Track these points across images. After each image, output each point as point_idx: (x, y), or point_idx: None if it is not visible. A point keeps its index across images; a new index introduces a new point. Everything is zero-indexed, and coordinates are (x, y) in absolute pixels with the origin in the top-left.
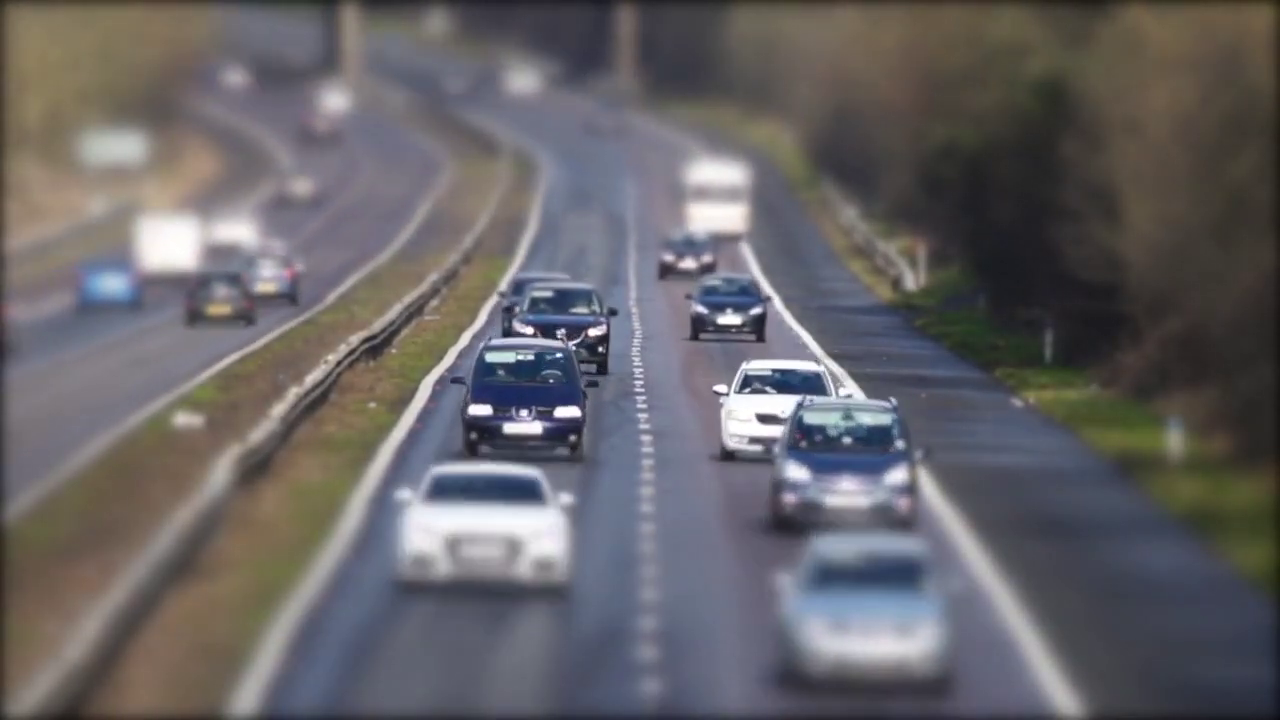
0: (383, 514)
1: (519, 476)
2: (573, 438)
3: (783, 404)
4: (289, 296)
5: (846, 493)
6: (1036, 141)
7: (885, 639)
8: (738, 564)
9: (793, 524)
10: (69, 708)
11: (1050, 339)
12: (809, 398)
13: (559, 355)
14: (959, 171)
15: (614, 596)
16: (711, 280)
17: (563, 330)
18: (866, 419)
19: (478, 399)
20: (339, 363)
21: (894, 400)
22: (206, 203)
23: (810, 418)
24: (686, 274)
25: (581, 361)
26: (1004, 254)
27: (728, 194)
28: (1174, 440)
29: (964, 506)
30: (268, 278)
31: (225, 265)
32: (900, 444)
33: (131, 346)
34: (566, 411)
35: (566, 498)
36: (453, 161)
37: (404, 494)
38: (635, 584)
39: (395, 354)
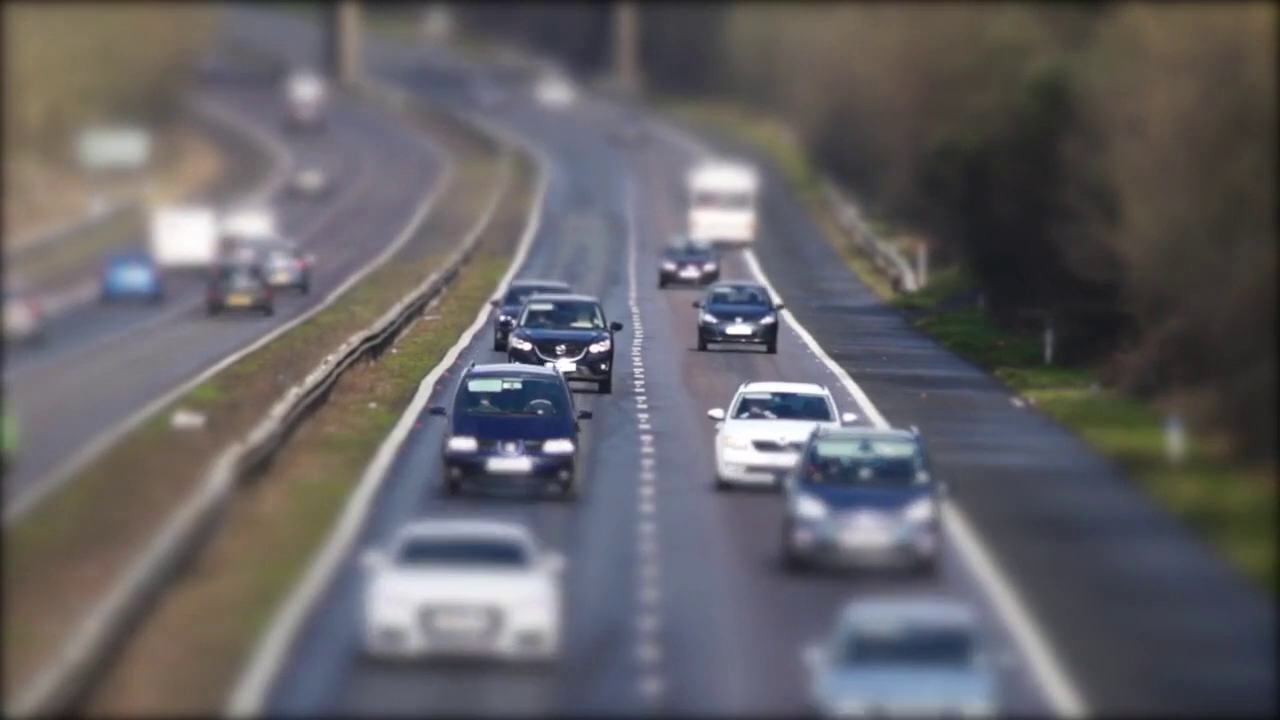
0: (348, 582)
1: (501, 538)
2: (564, 474)
3: (783, 430)
4: (301, 286)
5: (864, 530)
6: (1036, 141)
7: None
8: (738, 563)
9: (807, 564)
10: (69, 708)
11: (1050, 339)
12: (822, 426)
13: (549, 383)
14: (959, 171)
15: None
16: (720, 287)
17: (562, 346)
18: (886, 450)
19: (460, 431)
20: (339, 363)
21: (915, 429)
22: (219, 197)
23: (825, 449)
24: (688, 283)
25: (583, 379)
26: (1004, 254)
27: (735, 200)
28: (1174, 440)
29: (964, 506)
30: (281, 268)
31: (227, 258)
32: (923, 477)
33: (132, 346)
34: (557, 446)
35: (556, 560)
36: (453, 161)
37: (372, 558)
38: (635, 584)
39: (395, 354)
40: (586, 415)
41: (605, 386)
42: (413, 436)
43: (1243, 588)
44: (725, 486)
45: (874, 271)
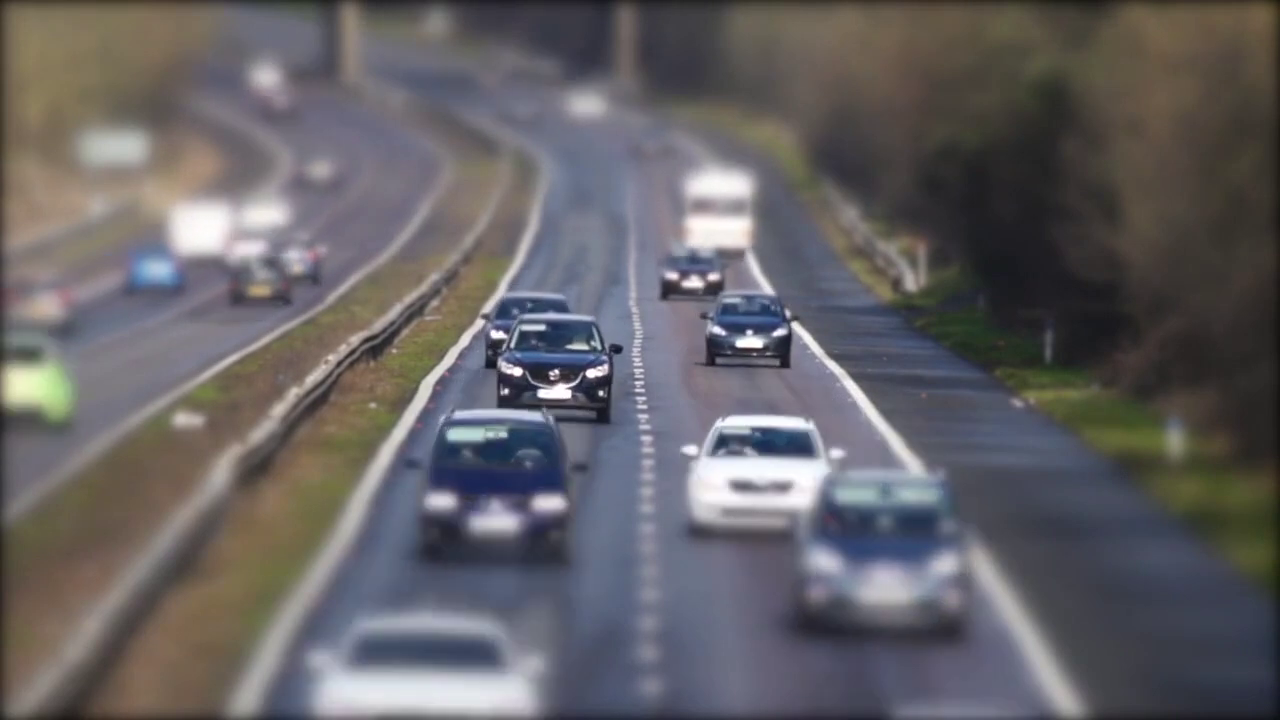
0: (291, 687)
1: (472, 634)
2: (555, 534)
3: (763, 469)
4: (313, 277)
5: (885, 585)
6: (1036, 141)
7: None
8: (739, 562)
9: (822, 623)
10: (69, 708)
11: (1050, 339)
12: (839, 469)
13: (538, 431)
14: (959, 171)
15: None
16: (729, 298)
17: (556, 371)
18: (909, 495)
19: (438, 486)
20: (339, 363)
21: (942, 472)
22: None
23: (842, 495)
24: (692, 294)
25: (579, 408)
26: (1004, 254)
27: (731, 207)
28: (1174, 440)
29: (964, 507)
30: (294, 259)
31: (235, 250)
32: (949, 526)
33: (131, 346)
34: (547, 502)
35: (537, 662)
36: (453, 161)
37: (320, 658)
38: (635, 584)
39: (396, 354)
40: (582, 468)
41: (604, 415)
42: (413, 437)
43: (1243, 588)
44: (699, 532)
45: (874, 272)
